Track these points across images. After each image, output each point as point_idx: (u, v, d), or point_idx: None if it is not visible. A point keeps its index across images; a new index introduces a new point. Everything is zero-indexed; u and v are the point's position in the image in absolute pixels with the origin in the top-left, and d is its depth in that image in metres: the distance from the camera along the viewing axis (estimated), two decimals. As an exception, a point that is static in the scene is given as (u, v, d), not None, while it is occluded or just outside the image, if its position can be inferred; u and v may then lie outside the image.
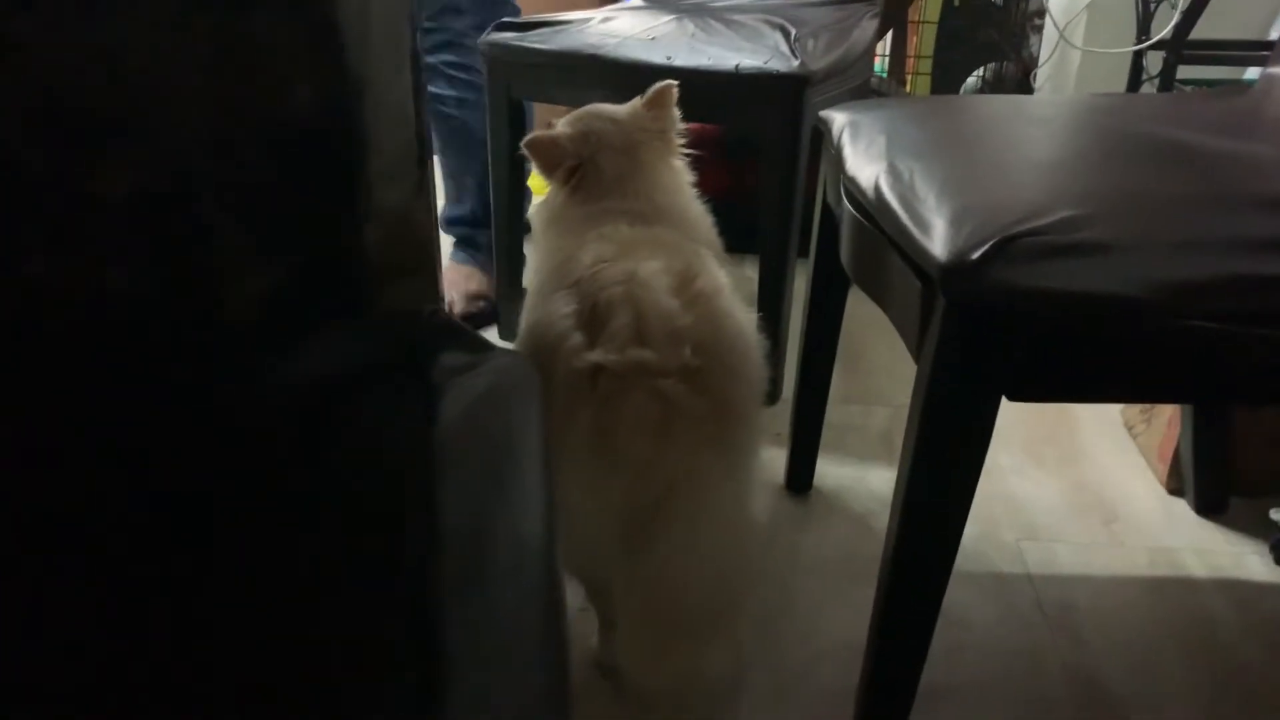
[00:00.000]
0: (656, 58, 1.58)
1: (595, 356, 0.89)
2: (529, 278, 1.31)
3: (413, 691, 0.42)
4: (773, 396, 1.67)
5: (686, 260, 1.00)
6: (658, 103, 1.29)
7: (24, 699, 0.43)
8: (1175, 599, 1.28)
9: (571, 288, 0.96)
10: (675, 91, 1.30)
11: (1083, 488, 1.52)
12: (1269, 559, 1.35)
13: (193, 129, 0.65)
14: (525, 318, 1.05)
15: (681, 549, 0.86)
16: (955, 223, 0.79)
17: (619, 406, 0.88)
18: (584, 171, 1.21)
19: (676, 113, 1.31)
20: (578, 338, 0.91)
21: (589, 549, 0.96)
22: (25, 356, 0.64)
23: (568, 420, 0.89)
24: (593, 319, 0.92)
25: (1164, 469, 1.50)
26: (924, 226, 0.82)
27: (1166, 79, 2.29)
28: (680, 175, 1.31)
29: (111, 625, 0.47)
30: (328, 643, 0.46)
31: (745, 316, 1.00)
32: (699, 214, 1.28)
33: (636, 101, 1.30)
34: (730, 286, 1.02)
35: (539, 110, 1.82)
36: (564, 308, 0.94)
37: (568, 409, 0.89)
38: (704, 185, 1.37)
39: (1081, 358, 0.78)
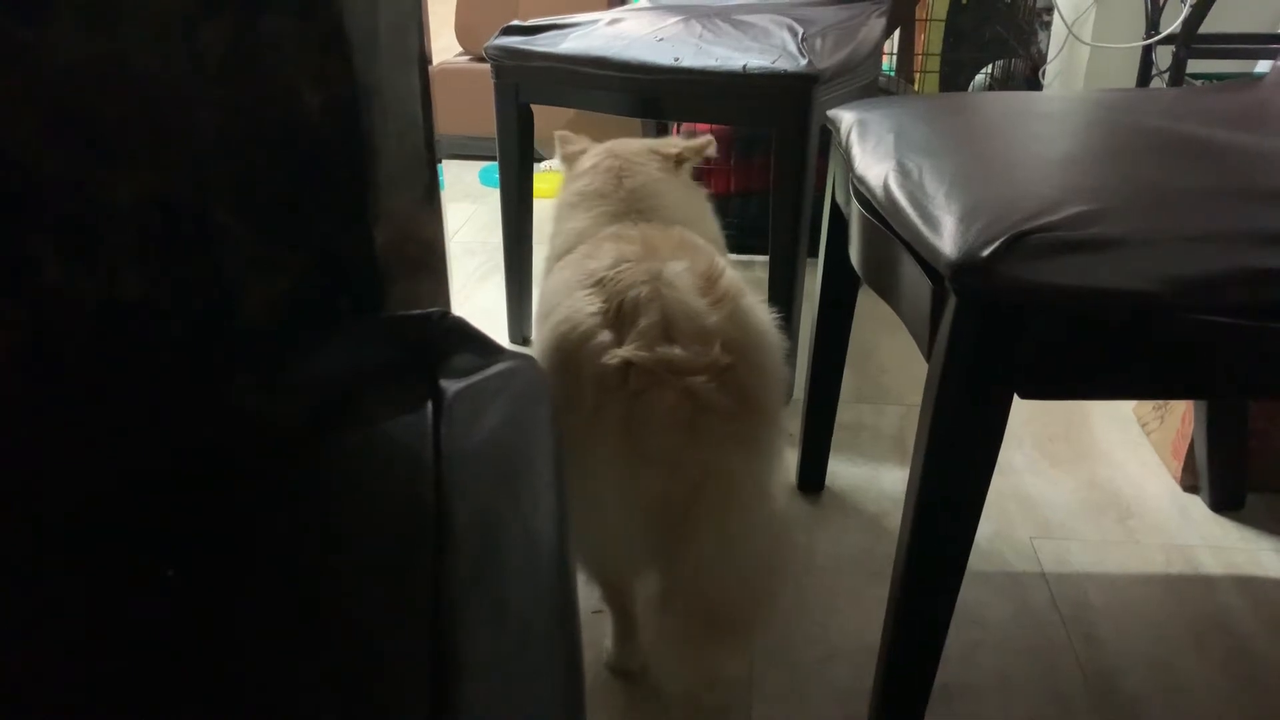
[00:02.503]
0: (664, 59, 1.58)
1: (626, 353, 0.89)
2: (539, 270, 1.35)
3: (425, 694, 0.42)
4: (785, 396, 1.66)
5: (709, 260, 1.01)
6: (689, 154, 1.36)
7: (42, 694, 0.44)
8: (1190, 596, 1.27)
9: (595, 287, 0.97)
10: (713, 150, 1.39)
11: (1096, 485, 1.51)
12: (1285, 555, 1.34)
13: (203, 135, 0.66)
14: (541, 307, 1.06)
15: (715, 549, 0.88)
16: (965, 220, 0.79)
17: (651, 403, 0.88)
18: (601, 167, 1.29)
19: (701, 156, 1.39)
20: (606, 335, 0.91)
21: (616, 547, 0.97)
22: (41, 363, 0.65)
23: (597, 417, 0.90)
24: (619, 318, 0.93)
25: (1178, 465, 1.50)
26: (934, 224, 0.81)
27: (1176, 73, 2.28)
28: (687, 181, 1.34)
29: (124, 623, 0.47)
30: (338, 644, 0.46)
31: (768, 316, 1.01)
32: (701, 211, 1.30)
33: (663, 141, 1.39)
34: (750, 286, 1.03)
35: (539, 113, 1.83)
36: (589, 306, 0.95)
37: (597, 406, 0.90)
38: (713, 186, 1.39)
39: (1094, 354, 0.77)
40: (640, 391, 0.89)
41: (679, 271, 0.96)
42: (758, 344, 0.96)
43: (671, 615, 0.92)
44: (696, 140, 1.37)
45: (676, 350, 0.90)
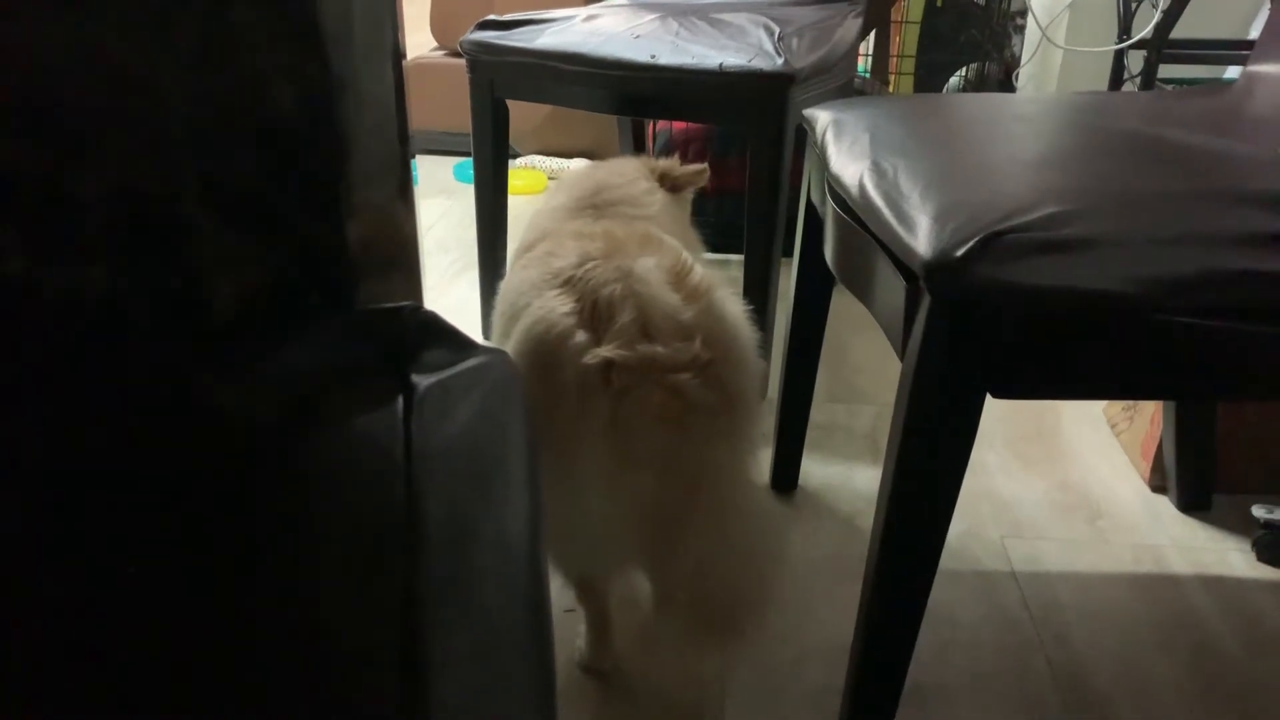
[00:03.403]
0: (641, 56, 1.58)
1: (606, 352, 0.89)
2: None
3: (395, 693, 0.41)
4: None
5: (676, 255, 1.01)
6: (676, 174, 1.38)
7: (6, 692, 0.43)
8: (1159, 596, 1.28)
9: (564, 286, 0.96)
10: (704, 180, 1.41)
11: (1067, 486, 1.52)
12: (1251, 555, 1.35)
13: (173, 127, 0.65)
14: (504, 306, 1.05)
15: (712, 545, 0.88)
16: (939, 220, 0.79)
17: (638, 403, 0.88)
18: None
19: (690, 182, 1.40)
20: (582, 335, 0.91)
21: (602, 549, 0.97)
22: (7, 357, 0.64)
23: (581, 419, 0.89)
24: (595, 317, 0.92)
25: (1147, 466, 1.51)
26: (908, 224, 0.82)
27: (1148, 78, 2.30)
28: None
29: (90, 622, 0.46)
30: (308, 643, 0.45)
31: (741, 309, 1.01)
32: (669, 211, 1.32)
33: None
34: (721, 280, 1.03)
35: (514, 109, 1.82)
36: (562, 305, 0.94)
37: (581, 407, 0.89)
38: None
39: (1066, 354, 0.78)
40: (625, 391, 0.88)
41: (650, 268, 0.96)
42: (735, 337, 0.97)
43: (671, 614, 0.92)
44: (691, 165, 1.39)
45: (658, 348, 0.89)
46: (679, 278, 0.96)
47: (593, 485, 0.90)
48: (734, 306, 0.99)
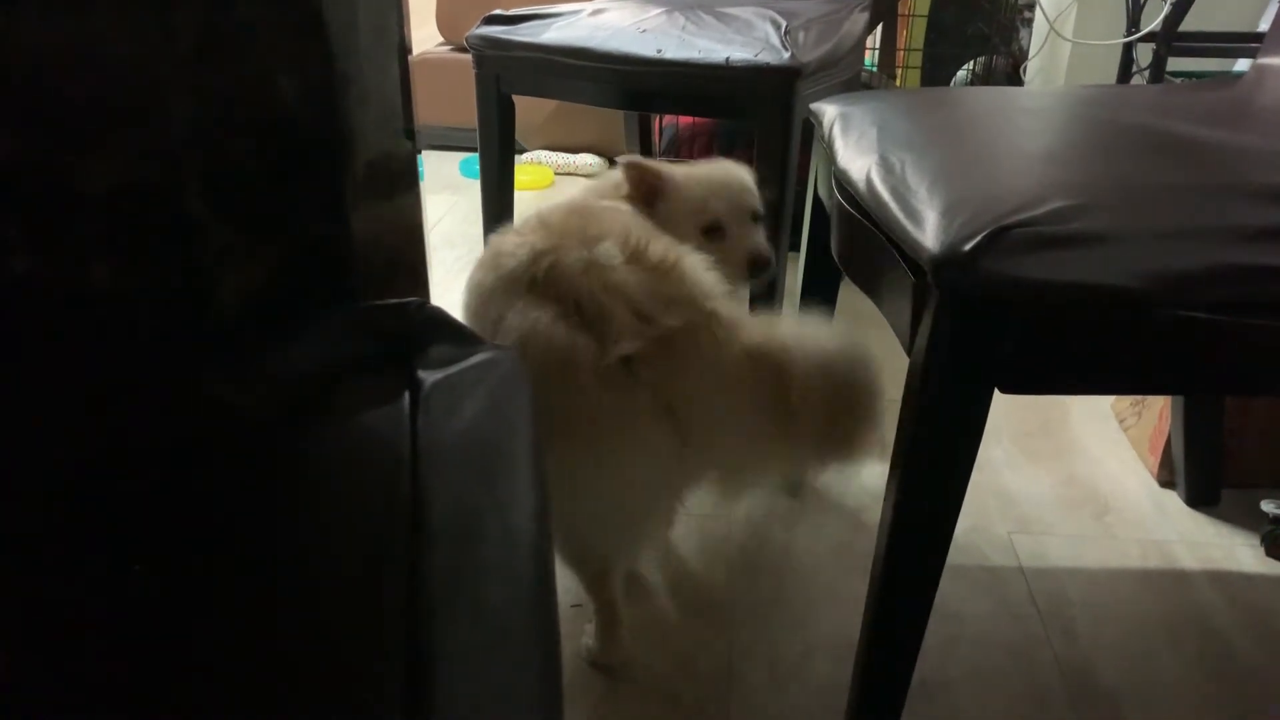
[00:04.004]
0: (647, 50, 1.57)
1: (624, 351, 0.90)
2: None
3: (401, 692, 0.41)
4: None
5: (623, 230, 1.01)
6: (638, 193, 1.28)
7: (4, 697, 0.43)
8: (1166, 591, 1.28)
9: (531, 293, 0.96)
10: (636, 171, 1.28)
11: (1074, 481, 1.52)
12: (1260, 550, 1.35)
13: (175, 121, 0.65)
14: (471, 317, 1.05)
15: (824, 395, 0.95)
16: (947, 214, 0.79)
17: (673, 373, 0.91)
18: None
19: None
20: (584, 341, 0.91)
21: (633, 523, 1.01)
22: (6, 352, 0.64)
23: (619, 414, 0.91)
24: (584, 318, 0.92)
25: (1155, 461, 1.50)
26: (916, 218, 0.81)
27: (1156, 71, 2.29)
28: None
29: (92, 619, 0.47)
30: (312, 640, 0.45)
31: (708, 268, 1.02)
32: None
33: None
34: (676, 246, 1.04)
35: (520, 104, 1.82)
36: (544, 316, 0.93)
37: (617, 403, 0.91)
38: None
39: (1074, 349, 0.77)
40: (653, 380, 0.91)
41: (612, 253, 0.96)
42: (715, 294, 0.99)
43: (848, 448, 1.00)
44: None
45: (669, 319, 0.92)
46: (638, 254, 0.97)
47: (638, 464, 0.93)
48: (704, 270, 1.00)
